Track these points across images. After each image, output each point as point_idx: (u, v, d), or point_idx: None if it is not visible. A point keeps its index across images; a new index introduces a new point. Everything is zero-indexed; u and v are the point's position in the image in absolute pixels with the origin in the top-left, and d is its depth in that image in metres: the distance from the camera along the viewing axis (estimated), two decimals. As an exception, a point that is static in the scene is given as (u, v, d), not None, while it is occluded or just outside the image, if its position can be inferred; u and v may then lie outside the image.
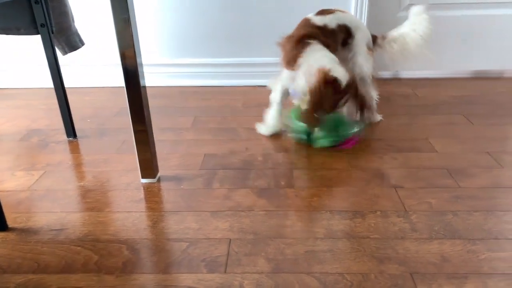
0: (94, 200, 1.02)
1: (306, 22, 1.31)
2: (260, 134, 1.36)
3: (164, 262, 0.81)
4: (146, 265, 0.81)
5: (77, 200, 1.03)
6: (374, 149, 1.24)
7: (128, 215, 0.96)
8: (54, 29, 1.25)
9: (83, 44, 1.40)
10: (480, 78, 1.88)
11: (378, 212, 0.95)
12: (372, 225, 0.90)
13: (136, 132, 1.04)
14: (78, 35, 1.39)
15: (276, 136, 1.34)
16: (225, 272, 0.79)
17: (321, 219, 0.93)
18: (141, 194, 1.04)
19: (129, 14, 0.92)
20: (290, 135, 1.32)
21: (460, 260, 0.80)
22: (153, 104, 1.62)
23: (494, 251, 0.82)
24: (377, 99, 1.43)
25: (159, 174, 1.12)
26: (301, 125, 1.24)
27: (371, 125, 1.40)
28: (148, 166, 1.08)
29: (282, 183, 1.08)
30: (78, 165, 1.20)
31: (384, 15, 1.80)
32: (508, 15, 1.78)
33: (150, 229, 0.91)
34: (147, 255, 0.84)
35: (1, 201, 0.90)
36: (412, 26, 1.38)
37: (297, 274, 0.78)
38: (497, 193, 1.01)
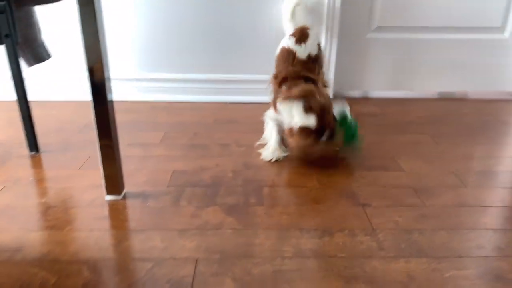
0: (54, 217, 0.98)
1: (289, 55, 1.31)
2: (232, 150, 1.35)
3: (127, 283, 0.78)
4: (108, 286, 0.78)
5: (37, 218, 0.98)
6: (343, 167, 1.25)
7: (91, 233, 0.93)
8: (19, 40, 1.21)
9: (50, 56, 1.37)
10: (445, 99, 1.94)
11: (346, 231, 0.95)
12: (340, 243, 0.90)
13: (101, 147, 1.02)
14: (45, 47, 1.35)
15: (248, 153, 1.34)
16: (190, 293, 0.76)
17: (289, 237, 0.92)
18: (105, 212, 1.01)
19: (97, 27, 0.90)
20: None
21: (425, 278, 0.80)
22: (122, 119, 1.60)
23: (458, 269, 0.83)
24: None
25: (125, 191, 1.09)
26: None
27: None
28: (114, 182, 1.05)
29: (252, 200, 1.07)
30: (39, 181, 1.15)
31: (354, 37, 1.84)
32: (473, 39, 1.86)
33: (114, 248, 0.88)
34: (109, 275, 0.80)
35: (-47, 219, 0.85)
36: None
37: (264, 294, 0.76)
38: (461, 211, 1.03)
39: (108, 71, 0.96)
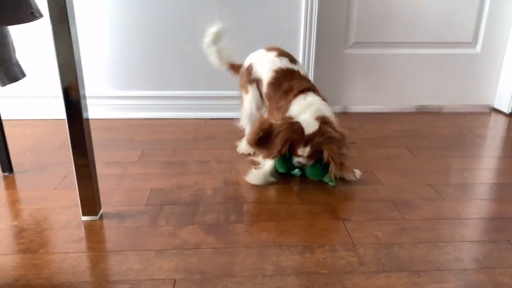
0: (28, 240, 0.95)
1: (293, 73, 1.31)
2: (211, 167, 1.34)
3: (103, 307, 0.76)
4: (83, 311, 0.75)
5: (9, 241, 0.95)
6: (322, 182, 1.25)
7: (66, 256, 0.90)
8: (-9, 58, 1.19)
9: (24, 75, 1.34)
10: (422, 112, 1.98)
11: (327, 246, 0.94)
12: (321, 259, 0.90)
13: (77, 167, 0.99)
14: (19, 66, 1.32)
15: (228, 169, 1.33)
16: (168, 315, 0.74)
17: (270, 255, 0.91)
18: (81, 233, 0.98)
19: (72, 45, 0.89)
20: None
21: (406, 293, 0.80)
22: (99, 137, 1.57)
23: (437, 282, 0.83)
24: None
25: (101, 211, 1.07)
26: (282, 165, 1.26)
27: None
28: (90, 202, 1.03)
29: (232, 218, 1.06)
30: (12, 203, 1.12)
31: (331, 53, 1.87)
32: (447, 54, 1.91)
33: (89, 271, 0.85)
34: (84, 300, 0.78)
35: None
36: None
37: (244, 314, 0.75)
38: (439, 224, 1.04)
39: (83, 89, 0.95)
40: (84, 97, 0.96)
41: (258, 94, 1.39)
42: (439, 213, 1.09)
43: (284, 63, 1.33)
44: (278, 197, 1.17)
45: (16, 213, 1.06)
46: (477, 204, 1.14)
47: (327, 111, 1.23)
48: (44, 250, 0.92)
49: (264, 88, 1.33)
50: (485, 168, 1.38)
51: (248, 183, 1.24)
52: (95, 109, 1.77)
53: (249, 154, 1.44)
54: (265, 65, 1.35)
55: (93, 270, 0.86)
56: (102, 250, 0.92)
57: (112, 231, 0.99)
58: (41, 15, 1.13)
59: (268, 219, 1.05)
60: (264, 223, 1.03)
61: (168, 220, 1.04)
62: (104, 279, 0.83)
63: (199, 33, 1.74)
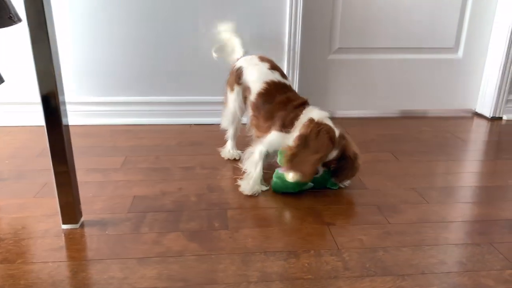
0: (5, 250, 0.92)
1: (284, 86, 1.31)
2: (195, 173, 1.32)
3: (82, 318, 0.74)
4: (61, 322, 0.73)
5: (-15, 251, 0.92)
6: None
7: (44, 265, 0.87)
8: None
9: (2, 81, 1.31)
10: (406, 117, 2.00)
11: (312, 251, 0.94)
12: (306, 265, 0.89)
13: (57, 174, 0.97)
14: (-2, 71, 1.30)
15: (212, 175, 1.32)
16: (150, 325, 0.73)
17: (255, 261, 0.90)
18: (61, 242, 0.96)
19: (50, 50, 0.88)
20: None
21: (391, 297, 0.80)
22: (80, 144, 1.55)
23: (422, 286, 0.83)
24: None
25: (82, 219, 1.04)
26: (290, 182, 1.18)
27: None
28: (70, 210, 1.00)
29: (216, 224, 1.04)
30: (-10, 212, 1.09)
31: (316, 59, 1.88)
32: (430, 59, 1.94)
33: (69, 281, 0.83)
34: (62, 311, 0.75)
35: None
36: None
37: (228, 322, 0.74)
38: (423, 228, 1.04)
39: (63, 95, 0.93)
40: (64, 103, 0.94)
41: (241, 97, 1.38)
42: (423, 217, 1.09)
43: (276, 76, 1.32)
44: (263, 203, 1.16)
45: (-7, 222, 1.03)
46: (461, 207, 1.15)
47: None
48: (22, 260, 0.89)
49: (252, 97, 1.32)
50: (468, 171, 1.40)
51: (233, 189, 1.23)
52: (76, 116, 1.74)
53: (234, 159, 1.43)
54: (255, 75, 1.33)
55: (72, 279, 0.83)
56: (83, 259, 0.90)
57: (93, 239, 0.97)
58: (19, 20, 1.11)
59: (253, 225, 1.04)
60: (248, 229, 1.02)
61: (151, 227, 1.02)
62: (84, 289, 0.81)
63: (184, 38, 1.74)
